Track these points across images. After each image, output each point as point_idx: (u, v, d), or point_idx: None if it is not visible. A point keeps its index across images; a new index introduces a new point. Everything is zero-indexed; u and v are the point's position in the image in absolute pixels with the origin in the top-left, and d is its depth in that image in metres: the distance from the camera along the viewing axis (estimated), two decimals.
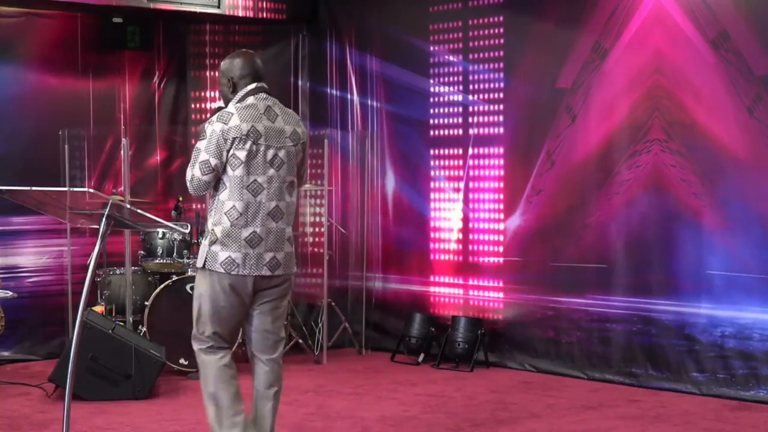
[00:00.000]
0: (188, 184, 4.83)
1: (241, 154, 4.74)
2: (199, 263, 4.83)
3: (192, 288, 7.32)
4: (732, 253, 6.76)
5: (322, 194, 8.49)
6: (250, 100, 4.84)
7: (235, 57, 4.94)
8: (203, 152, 4.74)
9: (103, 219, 4.59)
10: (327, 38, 9.04)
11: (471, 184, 8.12)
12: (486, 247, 8.03)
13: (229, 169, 4.75)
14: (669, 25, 6.97)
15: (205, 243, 4.83)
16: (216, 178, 4.79)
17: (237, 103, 4.83)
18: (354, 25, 8.87)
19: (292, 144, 4.88)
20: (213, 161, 4.73)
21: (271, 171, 4.80)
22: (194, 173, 4.77)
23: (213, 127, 4.74)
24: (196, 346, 4.87)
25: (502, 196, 7.94)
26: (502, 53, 7.90)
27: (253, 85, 4.87)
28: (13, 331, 7.77)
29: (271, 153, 4.81)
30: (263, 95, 4.88)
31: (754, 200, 6.69)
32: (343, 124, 8.97)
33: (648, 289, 7.15)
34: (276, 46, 9.24)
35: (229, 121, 4.74)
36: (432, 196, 8.41)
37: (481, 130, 8.05)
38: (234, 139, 4.72)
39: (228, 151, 4.73)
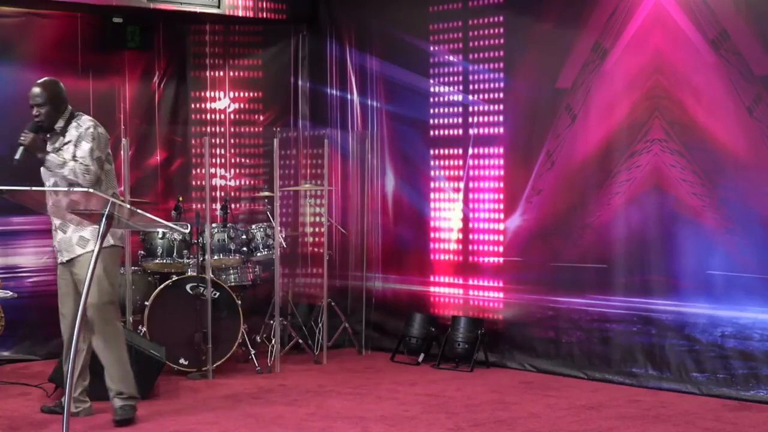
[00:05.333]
0: (84, 177, 5.64)
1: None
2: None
3: (192, 288, 7.39)
4: (732, 253, 6.76)
5: (322, 194, 8.48)
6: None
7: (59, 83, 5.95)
8: (96, 150, 5.75)
9: (103, 219, 4.60)
10: (327, 38, 9.04)
11: (471, 184, 8.12)
12: (486, 247, 8.03)
13: (106, 165, 5.84)
14: (669, 25, 6.97)
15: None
16: None
17: (86, 115, 5.91)
18: (354, 25, 8.87)
19: None
20: (103, 158, 5.84)
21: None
22: (94, 169, 5.72)
23: (99, 130, 5.81)
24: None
25: (502, 196, 7.93)
26: (502, 53, 7.90)
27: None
28: (13, 331, 7.76)
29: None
30: None
31: (754, 200, 6.68)
32: (343, 124, 8.97)
33: (648, 289, 7.14)
34: (276, 46, 9.23)
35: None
36: (432, 196, 8.41)
37: (481, 130, 8.04)
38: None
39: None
